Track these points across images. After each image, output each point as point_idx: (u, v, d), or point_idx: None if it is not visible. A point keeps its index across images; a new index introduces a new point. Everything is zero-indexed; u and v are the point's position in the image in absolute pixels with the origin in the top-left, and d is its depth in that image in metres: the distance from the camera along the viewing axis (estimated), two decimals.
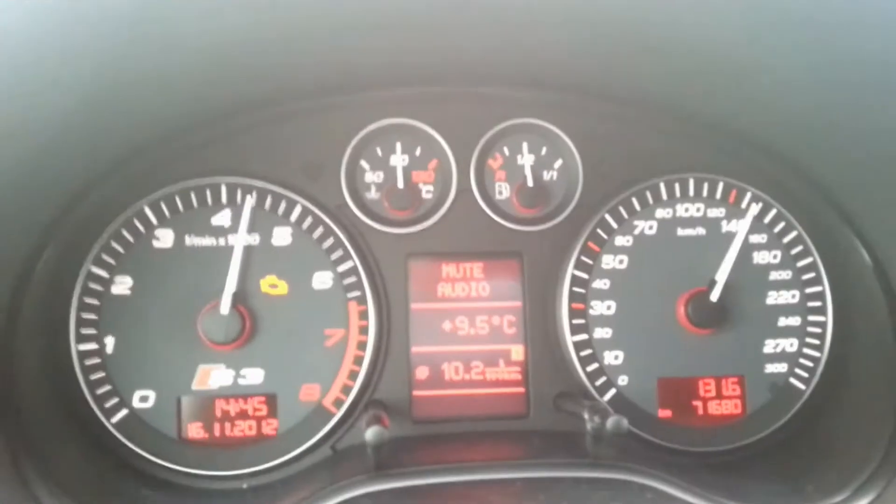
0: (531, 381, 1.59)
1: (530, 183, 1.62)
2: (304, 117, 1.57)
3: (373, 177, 1.61)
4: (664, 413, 1.58)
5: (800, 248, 1.62)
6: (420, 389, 1.58)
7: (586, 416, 1.34)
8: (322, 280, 1.56)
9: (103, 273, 1.50)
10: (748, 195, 1.62)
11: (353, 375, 1.54)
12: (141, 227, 1.52)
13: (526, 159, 1.63)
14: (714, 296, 1.55)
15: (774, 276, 1.61)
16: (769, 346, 1.60)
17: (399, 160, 1.61)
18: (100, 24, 1.06)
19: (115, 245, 1.51)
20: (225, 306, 1.49)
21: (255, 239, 1.54)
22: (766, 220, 1.62)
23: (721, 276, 1.56)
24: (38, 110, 1.17)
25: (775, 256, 1.61)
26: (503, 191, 1.63)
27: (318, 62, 1.39)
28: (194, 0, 1.06)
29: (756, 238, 1.61)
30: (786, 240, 1.62)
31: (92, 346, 1.49)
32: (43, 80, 1.11)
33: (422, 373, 1.58)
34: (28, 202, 1.33)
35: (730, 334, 1.59)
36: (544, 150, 1.64)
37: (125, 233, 1.51)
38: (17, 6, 0.95)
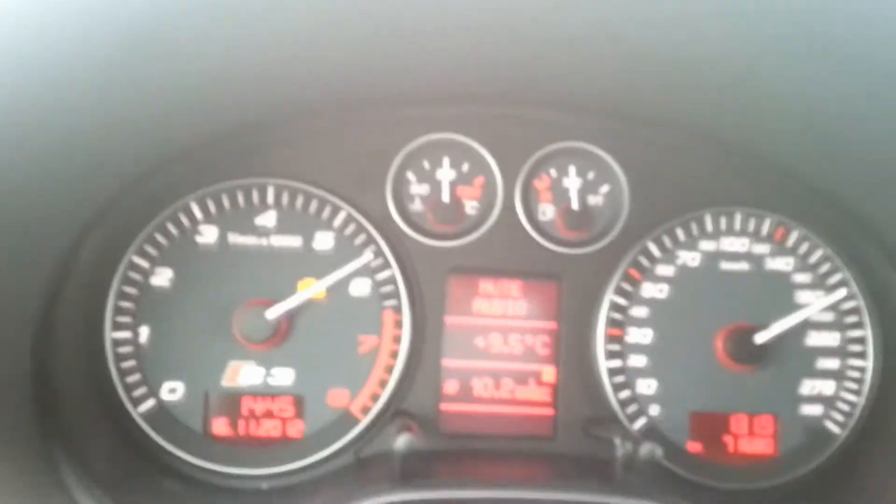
0: (560, 404, 1.57)
1: (575, 206, 1.61)
2: (354, 127, 1.58)
3: (418, 189, 1.61)
4: (694, 447, 1.56)
5: (845, 290, 1.59)
6: (448, 403, 1.57)
7: (617, 442, 1.32)
8: (360, 287, 1.56)
9: (144, 263, 1.51)
10: (795, 234, 1.60)
11: (382, 384, 1.53)
12: (186, 222, 1.53)
13: (572, 182, 1.62)
14: (760, 339, 1.53)
15: (817, 317, 1.58)
16: (806, 388, 1.58)
17: (445, 174, 1.61)
18: (160, 24, 1.08)
19: (158, 237, 1.52)
20: (274, 312, 1.48)
21: (296, 241, 1.55)
22: (813, 260, 1.60)
23: (777, 328, 1.54)
24: (94, 101, 1.18)
25: (818, 297, 1.59)
26: (547, 212, 1.62)
27: (374, 75, 1.40)
28: (258, 10, 1.07)
29: (801, 277, 1.59)
30: (831, 281, 1.60)
31: (126, 334, 1.49)
32: (102, 72, 1.12)
33: (451, 387, 1.57)
34: (77, 188, 1.34)
35: (766, 372, 1.57)
36: (591, 175, 1.63)
37: (170, 226, 1.52)
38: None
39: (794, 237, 1.60)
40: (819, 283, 1.59)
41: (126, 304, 1.50)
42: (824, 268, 1.60)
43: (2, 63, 0.98)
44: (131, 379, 1.49)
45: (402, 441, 1.19)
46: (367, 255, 1.55)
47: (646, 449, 1.22)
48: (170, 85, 1.25)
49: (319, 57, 1.29)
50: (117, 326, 1.49)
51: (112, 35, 1.05)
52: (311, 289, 1.52)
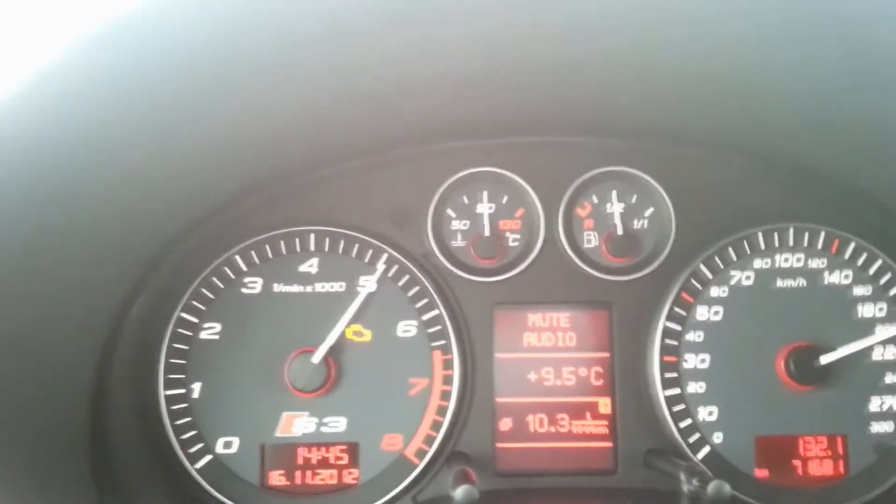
0: (620, 436, 1.54)
1: (620, 232, 1.58)
2: (391, 166, 1.57)
3: (459, 225, 1.59)
4: (761, 473, 1.50)
5: None
6: (504, 441, 1.54)
7: (683, 478, 1.28)
8: (406, 328, 1.54)
9: (193, 319, 1.51)
10: (852, 245, 1.55)
11: (435, 426, 1.51)
12: (231, 274, 1.53)
13: (615, 207, 1.59)
14: (825, 360, 1.48)
15: (880, 330, 1.52)
16: (874, 405, 1.52)
17: (486, 208, 1.59)
18: (200, 82, 1.08)
19: (205, 291, 1.52)
20: (318, 355, 1.48)
21: (341, 286, 1.54)
22: (871, 271, 1.54)
23: (843, 350, 1.48)
24: (138, 165, 1.19)
25: (881, 310, 1.53)
26: (592, 239, 1.59)
27: (408, 114, 1.39)
28: (301, 58, 1.07)
29: (860, 290, 1.54)
30: (892, 292, 1.54)
31: (179, 391, 1.50)
32: (146, 135, 1.13)
33: (506, 424, 1.55)
34: (124, 252, 1.35)
35: (832, 391, 1.51)
36: (634, 198, 1.60)
37: (215, 280, 1.53)
38: (136, 58, 0.97)
39: (850, 249, 1.55)
40: (880, 295, 1.54)
41: (177, 361, 1.50)
42: (884, 278, 1.54)
43: (52, 116, 0.99)
44: (186, 435, 1.49)
45: (461, 494, 1.17)
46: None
47: (714, 487, 1.18)
48: (207, 141, 1.26)
49: (359, 101, 1.28)
50: (170, 384, 1.49)
51: (153, 92, 1.06)
52: (350, 310, 1.51)
